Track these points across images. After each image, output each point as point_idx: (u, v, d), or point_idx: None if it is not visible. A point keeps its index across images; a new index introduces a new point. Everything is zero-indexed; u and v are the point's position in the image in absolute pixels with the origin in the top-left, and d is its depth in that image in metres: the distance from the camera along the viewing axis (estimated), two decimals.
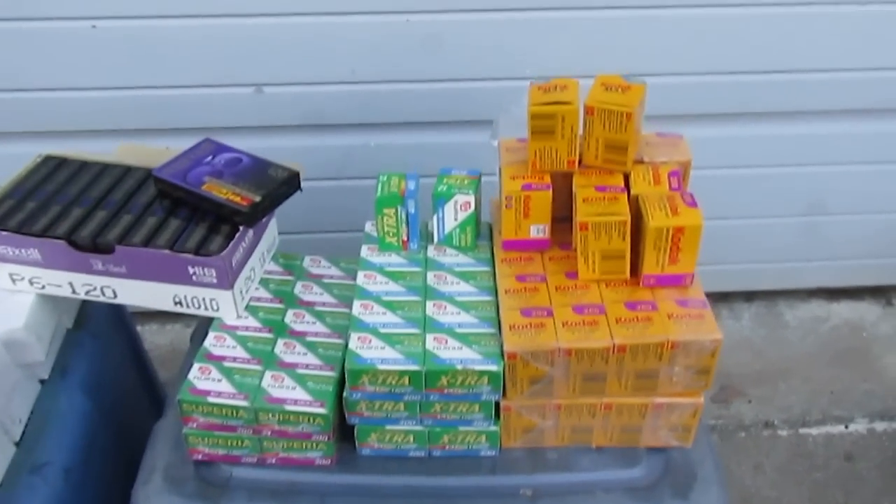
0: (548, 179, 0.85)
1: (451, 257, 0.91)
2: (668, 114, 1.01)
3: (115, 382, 1.06)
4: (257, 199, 0.86)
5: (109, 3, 1.30)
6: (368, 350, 0.79)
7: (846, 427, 1.59)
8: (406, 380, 0.78)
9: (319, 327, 0.89)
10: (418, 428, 0.83)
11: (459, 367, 0.77)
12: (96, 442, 0.95)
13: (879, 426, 1.58)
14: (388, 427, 0.83)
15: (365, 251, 0.93)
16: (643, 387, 0.80)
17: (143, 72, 1.37)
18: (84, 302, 1.02)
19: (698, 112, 1.46)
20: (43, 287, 0.89)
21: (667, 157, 0.86)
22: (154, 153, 1.00)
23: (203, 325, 1.03)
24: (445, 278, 0.88)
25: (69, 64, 1.35)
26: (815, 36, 1.40)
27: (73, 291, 0.89)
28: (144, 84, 1.39)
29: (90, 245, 0.85)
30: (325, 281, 0.96)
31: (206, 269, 0.84)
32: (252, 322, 0.89)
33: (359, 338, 0.80)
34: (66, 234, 0.85)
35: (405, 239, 0.91)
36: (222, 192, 0.87)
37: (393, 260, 0.91)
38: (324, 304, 0.92)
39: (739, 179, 1.54)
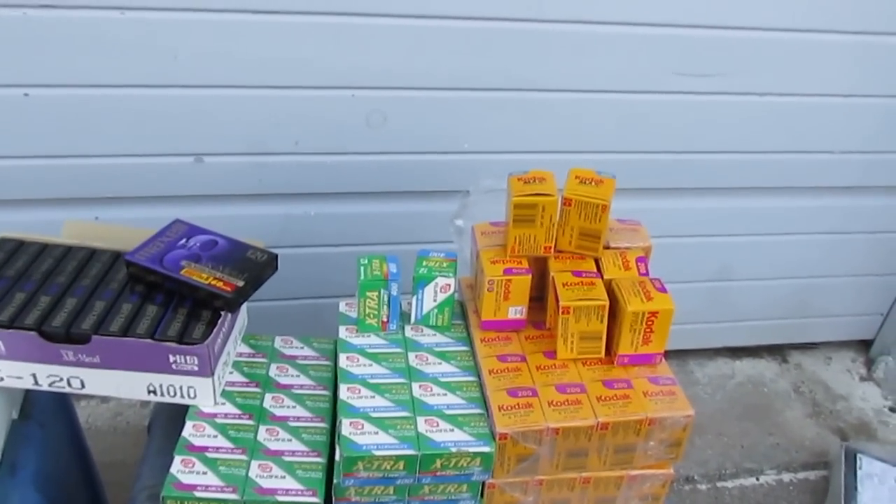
0: (526, 264, 0.90)
1: (429, 337, 0.94)
2: None
3: (60, 473, 1.00)
4: (240, 283, 0.86)
5: (43, 72, 1.26)
6: (362, 436, 0.80)
7: (757, 479, 1.71)
8: (401, 464, 0.79)
9: (300, 411, 0.89)
10: None
11: (454, 449, 0.79)
12: None
13: (786, 477, 1.71)
14: None
15: (343, 332, 0.93)
16: (620, 460, 0.85)
17: (79, 140, 1.33)
18: (28, 390, 0.96)
19: (618, 186, 1.57)
20: (1, 379, 0.84)
21: (629, 242, 0.93)
22: (104, 231, 0.97)
23: (161, 414, 1.00)
24: (427, 359, 0.90)
25: (1, 131, 1.29)
26: (722, 121, 1.55)
27: (36, 383, 0.85)
28: (80, 153, 1.34)
29: (63, 336, 0.81)
30: (300, 362, 0.96)
31: (187, 357, 0.82)
32: (230, 409, 0.87)
33: (351, 423, 0.81)
34: (35, 324, 0.81)
35: (385, 320, 0.93)
36: (203, 276, 0.86)
37: (373, 341, 0.92)
38: (301, 386, 0.92)
39: (656, 247, 1.67)
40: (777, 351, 2.04)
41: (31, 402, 0.97)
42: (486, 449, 0.80)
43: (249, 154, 1.42)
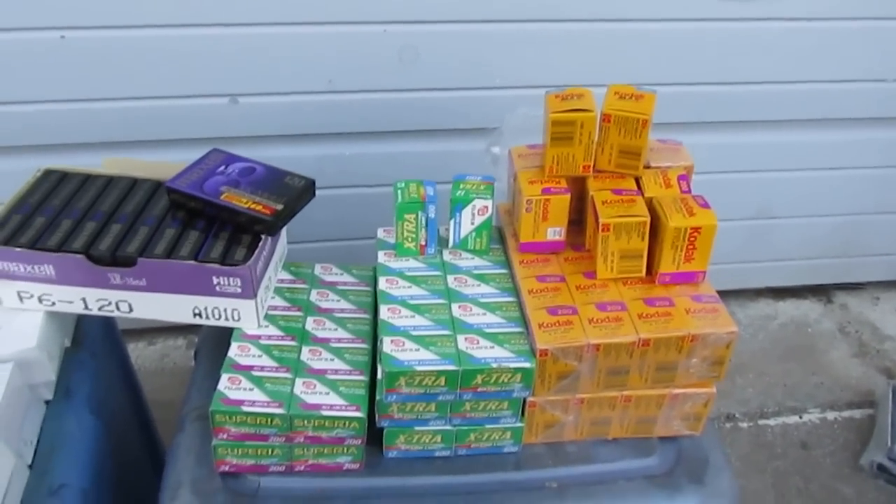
0: (564, 184, 0.89)
1: (467, 261, 0.94)
2: None
3: (112, 401, 1.03)
4: (279, 207, 0.87)
5: (79, 14, 1.27)
6: (404, 353, 0.80)
7: (800, 417, 1.69)
8: (443, 380, 0.80)
9: (342, 333, 0.90)
10: (447, 428, 0.85)
11: (494, 365, 0.79)
12: (106, 462, 0.92)
13: (830, 415, 1.69)
14: (417, 428, 0.85)
15: (382, 257, 0.94)
16: (662, 378, 0.85)
17: (114, 83, 1.34)
18: (80, 320, 0.99)
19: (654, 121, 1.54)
20: (53, 304, 0.87)
21: (671, 162, 0.92)
22: (142, 165, 0.98)
23: (207, 341, 1.02)
24: (466, 281, 0.90)
25: (36, 75, 1.31)
26: (767, 49, 1.50)
27: (86, 307, 0.87)
28: (116, 95, 1.36)
29: (109, 259, 0.83)
30: (340, 288, 0.97)
31: (231, 279, 0.83)
32: (273, 331, 0.89)
33: (392, 341, 0.82)
34: (83, 248, 0.83)
35: (423, 244, 0.93)
36: (242, 201, 0.87)
37: (412, 265, 0.93)
38: (342, 310, 0.93)
39: (695, 185, 1.63)
40: (822, 291, 2.00)
41: (83, 332, 1.00)
42: (526, 365, 0.80)
43: (283, 94, 1.43)
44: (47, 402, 0.90)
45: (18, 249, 0.82)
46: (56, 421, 0.88)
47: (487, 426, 0.86)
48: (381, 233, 0.98)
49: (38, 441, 0.86)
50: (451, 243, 0.95)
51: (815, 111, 1.61)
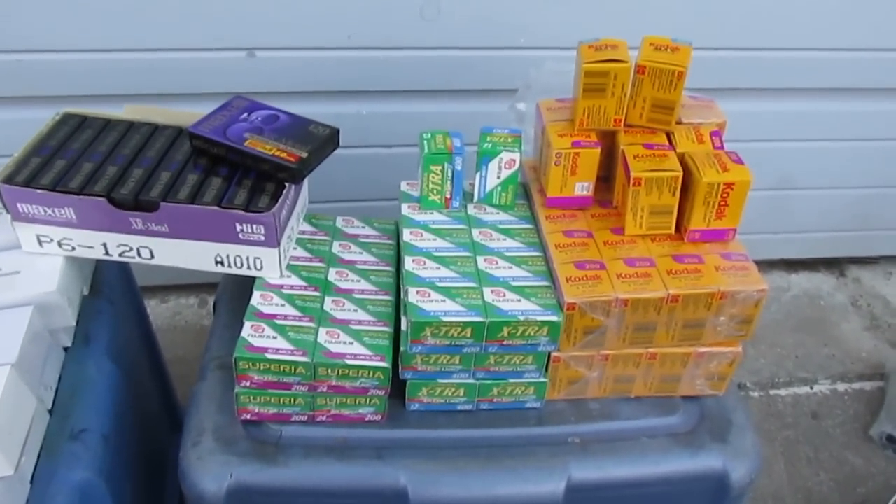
0: (595, 137, 0.87)
1: (492, 215, 0.93)
2: None
3: (130, 351, 1.03)
4: (304, 154, 0.85)
5: None
6: (430, 303, 0.79)
7: (811, 388, 1.69)
8: (468, 332, 0.79)
9: (365, 285, 0.89)
10: (470, 381, 0.84)
11: (521, 318, 0.79)
12: (126, 409, 0.92)
13: (841, 387, 1.69)
14: (441, 381, 0.84)
15: (406, 209, 0.93)
16: (689, 336, 0.84)
17: (129, 34, 1.32)
18: (97, 268, 0.98)
19: None
20: (73, 249, 0.86)
21: (702, 118, 0.90)
22: (163, 113, 0.97)
23: (226, 292, 1.01)
24: (491, 235, 0.89)
25: (55, 24, 1.28)
26: (791, 16, 1.47)
27: (107, 253, 0.86)
28: (132, 47, 1.34)
29: (132, 203, 0.81)
30: (362, 240, 0.96)
31: (254, 227, 0.82)
32: (296, 281, 0.88)
33: (417, 292, 0.81)
34: (104, 191, 0.81)
35: (448, 197, 0.91)
36: (266, 148, 0.85)
37: (436, 217, 0.91)
38: (364, 262, 0.92)
39: None
40: (835, 265, 1.99)
41: (101, 280, 0.99)
42: (553, 318, 0.79)
43: (302, 49, 1.40)
44: (66, 349, 0.89)
45: (39, 191, 0.80)
46: (76, 367, 0.88)
47: (511, 380, 0.85)
48: (404, 185, 0.96)
49: (58, 386, 0.85)
50: (476, 197, 0.94)
51: (840, 80, 1.59)
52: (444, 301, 0.80)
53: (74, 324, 0.88)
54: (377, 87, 1.47)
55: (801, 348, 1.78)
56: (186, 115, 0.94)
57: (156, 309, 1.67)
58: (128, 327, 1.05)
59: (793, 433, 1.59)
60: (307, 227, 0.96)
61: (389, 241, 0.96)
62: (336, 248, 0.94)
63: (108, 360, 0.92)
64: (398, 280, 0.91)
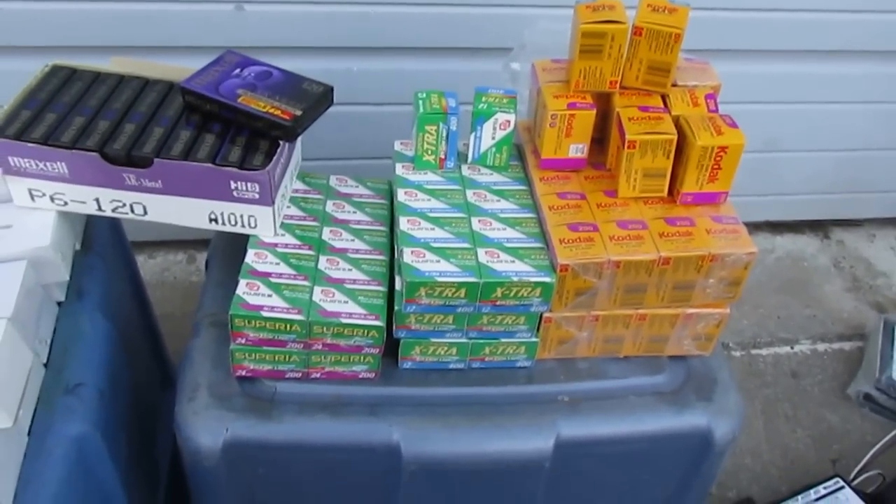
0: (590, 99, 0.87)
1: (486, 176, 0.93)
2: None
3: (123, 306, 1.03)
4: (298, 112, 0.84)
5: None
6: (424, 263, 0.80)
7: (792, 348, 1.73)
8: (462, 292, 0.80)
9: (359, 244, 0.89)
10: (462, 340, 0.86)
11: (515, 279, 0.79)
12: (120, 365, 0.93)
13: (821, 347, 1.73)
14: (434, 340, 0.85)
15: (400, 169, 0.92)
16: (678, 297, 0.85)
17: None
18: (88, 223, 0.98)
19: None
20: (65, 204, 0.85)
21: (697, 81, 0.90)
22: (151, 67, 0.95)
23: (218, 250, 1.01)
24: (485, 196, 0.90)
25: None
26: None
27: (99, 208, 0.86)
28: None
29: (124, 158, 0.81)
30: (356, 199, 0.96)
31: (248, 185, 0.82)
32: (290, 240, 0.88)
33: (412, 252, 0.81)
34: (97, 146, 0.81)
35: (442, 157, 0.91)
36: (260, 105, 0.85)
37: (430, 178, 0.91)
38: (358, 222, 0.92)
39: None
40: (819, 227, 2.02)
41: (92, 236, 0.98)
42: (547, 279, 0.80)
43: (292, 3, 1.38)
44: (59, 304, 0.89)
45: (31, 144, 0.80)
46: (69, 321, 0.88)
47: (503, 340, 0.86)
48: (398, 145, 0.96)
49: (52, 341, 0.86)
50: (470, 158, 0.94)
51: (826, 42, 1.59)
52: (438, 261, 0.80)
53: (67, 279, 0.88)
54: (367, 44, 1.45)
55: (784, 309, 1.81)
56: (176, 69, 0.93)
57: (144, 265, 1.67)
58: (120, 283, 1.05)
59: (772, 391, 1.63)
60: (300, 186, 0.96)
61: (383, 201, 0.96)
62: (330, 207, 0.94)
63: (102, 315, 0.92)
64: (391, 240, 0.91)
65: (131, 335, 1.04)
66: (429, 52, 1.47)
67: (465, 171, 0.93)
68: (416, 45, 1.45)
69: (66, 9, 1.29)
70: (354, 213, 0.94)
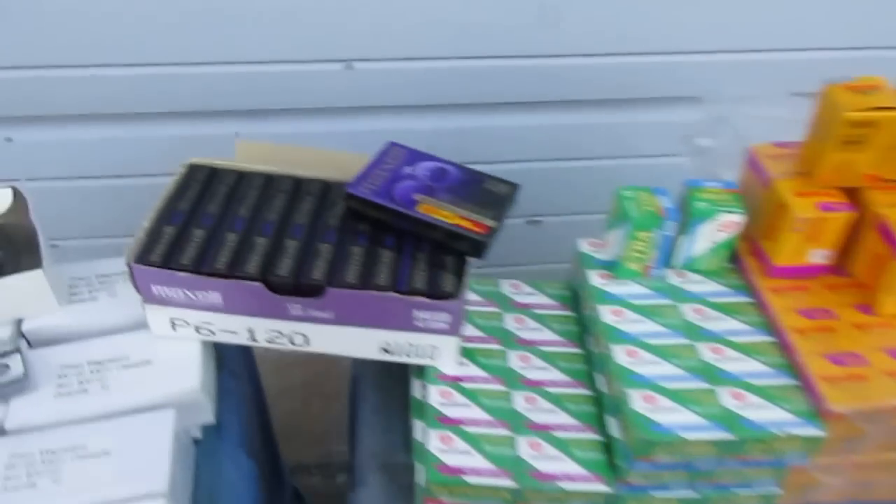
0: (843, 197, 0.72)
1: (697, 284, 0.78)
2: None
3: (255, 432, 0.89)
4: (491, 223, 0.70)
5: None
6: (659, 413, 0.65)
7: None
8: (710, 448, 0.64)
9: (556, 374, 0.74)
10: (690, 495, 0.70)
11: (777, 432, 0.64)
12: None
13: None
14: (654, 494, 0.70)
15: (595, 279, 0.78)
16: None
17: (217, 46, 1.16)
18: None
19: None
20: (213, 334, 0.72)
21: None
22: (282, 151, 0.82)
23: (368, 366, 0.87)
24: (705, 312, 0.74)
25: (132, 36, 1.13)
26: None
27: (252, 339, 0.72)
28: (218, 60, 1.18)
29: (291, 286, 0.67)
30: (538, 311, 0.81)
31: (436, 314, 0.67)
32: (475, 371, 0.73)
33: (643, 397, 0.66)
34: (260, 273, 0.67)
35: (650, 265, 0.76)
36: (444, 214, 0.70)
37: (634, 290, 0.76)
38: (546, 342, 0.78)
39: None
40: None
41: (222, 349, 0.85)
42: (816, 432, 0.64)
43: (406, 59, 1.25)
44: (196, 441, 0.76)
45: (182, 274, 0.66)
46: (211, 463, 0.74)
47: (738, 492, 0.71)
48: (585, 246, 0.81)
49: (195, 490, 0.72)
50: (677, 262, 0.78)
51: None
52: (675, 409, 0.65)
53: (214, 419, 0.74)
54: (486, 100, 1.31)
55: None
56: (312, 154, 0.80)
57: None
58: (249, 403, 0.91)
59: None
60: (472, 296, 0.81)
61: (569, 313, 0.81)
62: (510, 323, 0.79)
63: (244, 454, 0.79)
64: (588, 364, 0.76)
65: (263, 464, 0.90)
66: (548, 106, 1.32)
67: (673, 278, 0.78)
68: (532, 100, 1.31)
69: (153, 74, 1.18)
70: (540, 330, 0.79)
